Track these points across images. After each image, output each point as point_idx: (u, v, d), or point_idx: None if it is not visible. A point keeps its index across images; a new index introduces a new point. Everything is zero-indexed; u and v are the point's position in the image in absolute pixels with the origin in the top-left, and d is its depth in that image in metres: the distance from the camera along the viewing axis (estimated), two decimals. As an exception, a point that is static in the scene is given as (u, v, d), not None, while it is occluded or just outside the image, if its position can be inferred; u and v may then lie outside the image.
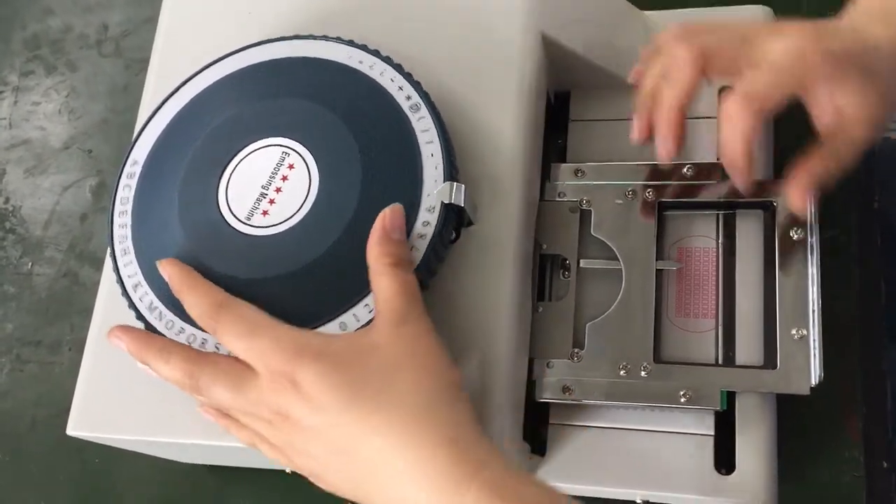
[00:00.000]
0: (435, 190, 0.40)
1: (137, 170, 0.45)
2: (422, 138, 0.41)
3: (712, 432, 0.44)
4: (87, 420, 0.45)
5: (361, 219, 0.40)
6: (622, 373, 0.44)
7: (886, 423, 0.43)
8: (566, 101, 0.52)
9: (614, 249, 0.46)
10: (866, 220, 0.50)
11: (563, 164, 0.48)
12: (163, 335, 0.40)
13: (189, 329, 0.40)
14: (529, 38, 0.46)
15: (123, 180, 0.45)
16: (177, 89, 0.46)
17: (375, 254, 0.38)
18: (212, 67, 0.46)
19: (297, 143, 0.42)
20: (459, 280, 0.42)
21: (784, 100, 0.41)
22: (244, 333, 0.36)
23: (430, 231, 0.40)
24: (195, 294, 0.39)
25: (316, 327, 0.39)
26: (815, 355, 0.41)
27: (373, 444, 0.34)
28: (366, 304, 0.39)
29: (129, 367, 0.40)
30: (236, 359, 0.37)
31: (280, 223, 0.41)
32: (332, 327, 0.39)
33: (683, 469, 0.44)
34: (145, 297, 0.42)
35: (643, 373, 0.43)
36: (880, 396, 0.48)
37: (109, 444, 0.47)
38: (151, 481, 0.58)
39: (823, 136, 0.42)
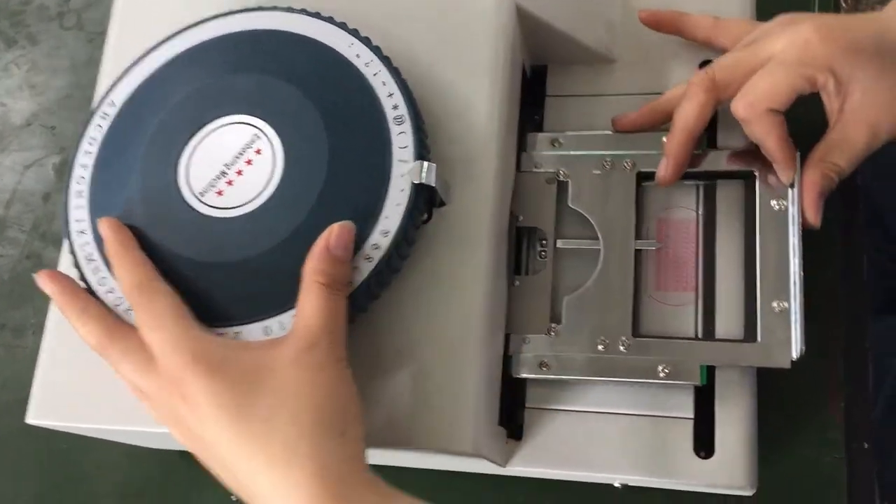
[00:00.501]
0: (405, 170, 0.39)
1: (113, 110, 0.44)
2: (391, 116, 0.40)
3: (692, 414, 0.43)
4: (46, 408, 0.43)
5: (319, 214, 0.38)
6: (600, 347, 0.43)
7: (869, 403, 0.43)
8: (543, 75, 0.51)
9: (592, 222, 0.45)
10: (849, 197, 0.50)
11: (540, 134, 0.47)
12: (93, 291, 0.40)
13: (118, 291, 0.39)
14: (504, 9, 0.44)
15: (96, 119, 0.44)
16: (145, 54, 0.45)
17: (310, 268, 0.37)
18: (183, 34, 0.45)
19: (265, 124, 0.41)
20: (432, 261, 0.41)
21: (791, 96, 0.41)
22: (149, 324, 0.36)
23: (399, 213, 0.38)
24: (122, 266, 0.38)
25: (239, 325, 0.38)
26: (796, 328, 0.41)
27: (245, 466, 0.34)
28: (294, 315, 0.37)
29: (89, 354, 0.38)
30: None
31: (234, 207, 0.40)
32: (255, 329, 0.38)
33: (662, 453, 0.43)
34: (86, 246, 0.41)
35: (622, 347, 0.43)
36: (863, 375, 0.47)
37: (72, 431, 0.45)
38: (121, 467, 0.56)
39: (827, 139, 0.42)
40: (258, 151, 0.40)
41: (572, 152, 0.46)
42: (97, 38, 0.70)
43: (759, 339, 0.41)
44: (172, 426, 0.37)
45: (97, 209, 0.41)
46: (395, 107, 0.40)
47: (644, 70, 0.49)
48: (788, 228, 0.42)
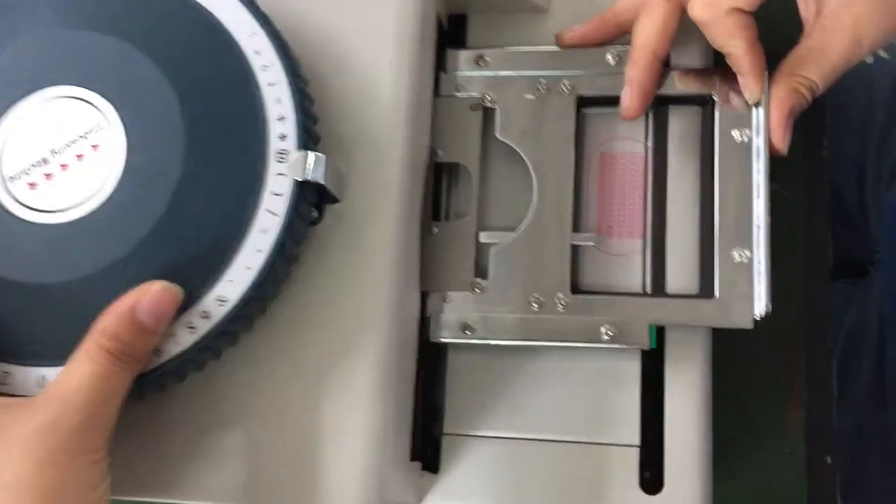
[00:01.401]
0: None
1: None
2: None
3: (637, 442, 0.37)
4: None
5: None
6: (534, 306, 0.37)
7: (831, 412, 0.38)
8: (463, 25, 0.42)
9: (524, 156, 0.38)
10: (813, 172, 0.44)
11: (462, 51, 0.40)
12: None
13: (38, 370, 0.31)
14: None
15: None
16: None
17: (100, 327, 0.29)
18: None
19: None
20: (326, 254, 0.34)
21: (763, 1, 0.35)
22: None
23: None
24: None
25: (11, 364, 0.30)
26: (759, 281, 0.35)
27: None
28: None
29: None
30: None
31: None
32: (28, 375, 0.30)
33: (603, 486, 0.37)
34: None
35: (559, 306, 0.36)
36: (825, 379, 0.42)
37: None
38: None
39: (799, 48, 0.35)
40: (94, 147, 0.32)
41: (501, 73, 0.39)
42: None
43: (716, 294, 0.36)
44: None
45: None
46: (273, 83, 0.32)
47: (583, 20, 0.40)
48: (752, 164, 0.36)
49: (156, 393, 0.31)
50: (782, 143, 0.36)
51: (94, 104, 0.32)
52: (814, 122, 0.46)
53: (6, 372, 0.30)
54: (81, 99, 0.32)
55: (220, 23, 0.33)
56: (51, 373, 0.30)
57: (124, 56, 0.32)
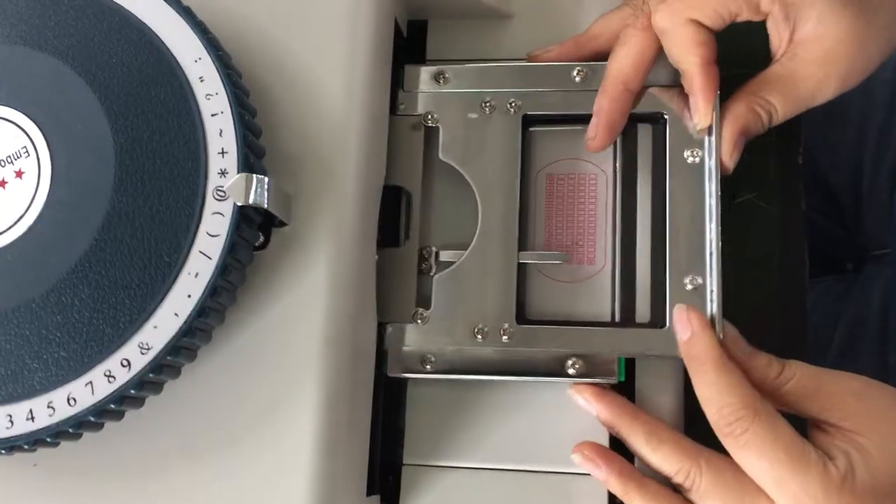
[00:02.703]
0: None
1: None
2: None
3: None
4: None
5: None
6: (478, 338, 0.35)
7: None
8: (423, 31, 0.41)
9: (467, 178, 0.37)
10: (789, 180, 0.42)
11: (422, 67, 0.38)
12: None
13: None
14: None
15: None
16: None
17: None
18: None
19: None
20: (272, 282, 0.32)
21: (723, 13, 0.34)
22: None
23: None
24: (664, 451, 0.33)
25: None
26: (712, 309, 0.34)
27: None
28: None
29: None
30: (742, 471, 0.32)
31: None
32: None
33: None
34: None
35: (504, 336, 0.35)
36: None
37: None
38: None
39: (766, 72, 0.34)
40: (18, 173, 0.30)
41: (460, 90, 0.38)
42: None
43: (667, 323, 0.34)
44: None
45: None
46: (212, 95, 0.31)
47: (548, 28, 0.40)
48: (704, 186, 0.35)
49: (73, 441, 0.31)
50: (730, 161, 0.34)
51: (22, 127, 0.31)
52: (789, 127, 0.44)
53: (10, 414, 0.29)
54: (8, 120, 0.31)
55: (163, 45, 0.31)
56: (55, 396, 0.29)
57: (58, 77, 0.31)
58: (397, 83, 0.38)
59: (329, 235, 0.33)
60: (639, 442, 0.33)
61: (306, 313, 0.32)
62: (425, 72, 0.38)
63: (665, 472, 0.33)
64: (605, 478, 0.34)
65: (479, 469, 0.37)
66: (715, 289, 0.34)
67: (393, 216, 0.37)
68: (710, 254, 0.34)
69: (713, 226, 0.34)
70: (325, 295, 0.32)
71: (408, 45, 0.40)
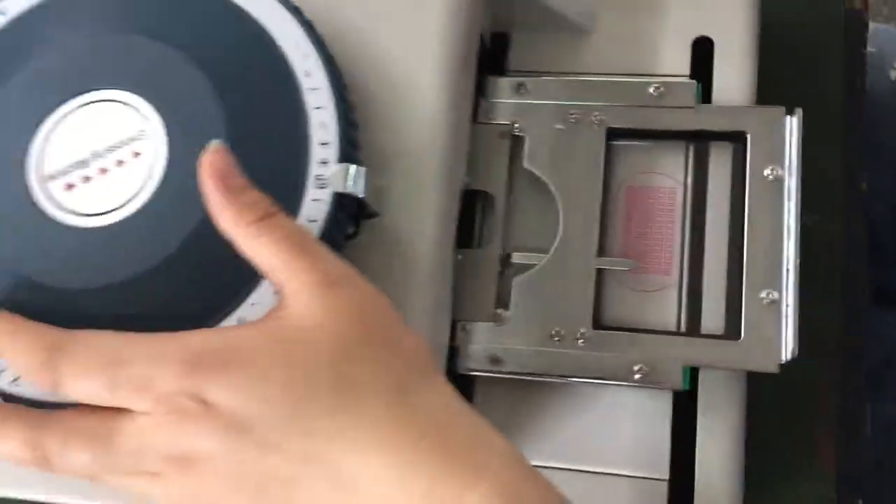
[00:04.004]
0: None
1: None
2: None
3: (666, 476, 0.37)
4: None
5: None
6: (555, 340, 0.37)
7: (861, 453, 0.37)
8: (505, 43, 0.43)
9: (550, 187, 0.38)
10: (852, 206, 0.43)
11: (503, 78, 0.40)
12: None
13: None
14: None
15: None
16: None
17: (231, 218, 0.28)
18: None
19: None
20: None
21: None
22: (102, 365, 0.27)
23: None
24: (17, 341, 0.28)
25: None
26: (787, 324, 0.35)
27: (336, 457, 0.26)
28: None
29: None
30: (92, 408, 0.27)
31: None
32: None
33: None
34: None
35: (579, 340, 0.37)
36: (859, 421, 0.42)
37: None
38: None
39: None
40: (136, 154, 0.32)
41: (532, 101, 0.40)
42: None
43: (742, 335, 0.36)
44: (164, 489, 0.27)
45: None
46: (316, 89, 0.32)
47: (627, 46, 0.42)
48: (783, 204, 0.36)
49: None
50: None
51: (141, 111, 0.33)
52: (852, 154, 0.46)
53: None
54: (129, 105, 0.33)
55: (273, 41, 0.33)
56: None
57: (176, 66, 0.33)
58: (480, 92, 0.40)
59: (413, 231, 0.34)
60: None
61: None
62: (506, 82, 0.40)
63: (15, 454, 0.28)
64: None
65: (540, 468, 0.38)
66: (791, 303, 0.35)
67: (472, 218, 0.39)
68: (787, 270, 0.35)
69: (791, 243, 0.36)
70: (405, 287, 0.34)
71: (490, 57, 0.42)
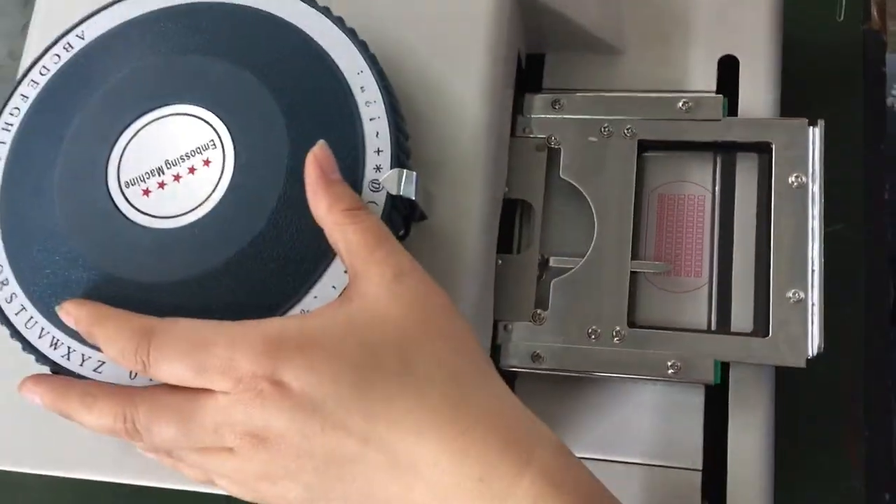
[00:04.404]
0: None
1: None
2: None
3: (699, 466, 0.39)
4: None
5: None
6: (592, 338, 0.39)
7: (891, 450, 0.39)
8: (540, 64, 0.46)
9: (585, 195, 0.41)
10: (875, 213, 0.45)
11: (539, 95, 0.43)
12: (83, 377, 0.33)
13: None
14: None
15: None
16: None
17: (326, 205, 0.32)
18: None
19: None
20: None
21: None
22: (189, 351, 0.29)
23: None
24: (108, 328, 0.31)
25: None
26: (813, 321, 0.37)
27: (395, 441, 0.28)
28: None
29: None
30: (176, 387, 0.30)
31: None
32: None
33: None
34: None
35: (615, 338, 0.39)
36: (885, 416, 0.43)
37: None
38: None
39: None
40: (206, 162, 0.35)
41: (567, 116, 0.42)
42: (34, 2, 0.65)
43: (770, 332, 0.38)
44: (238, 466, 0.30)
45: (26, 278, 0.35)
46: (371, 102, 0.35)
47: (656, 65, 0.44)
48: (807, 209, 0.38)
49: None
50: None
51: (211, 125, 0.36)
52: (876, 163, 0.48)
53: (102, 361, 0.33)
54: (200, 118, 0.36)
55: (332, 59, 0.36)
56: (300, 307, 0.33)
57: (243, 83, 0.36)
58: (517, 109, 0.43)
59: (458, 233, 0.37)
60: (78, 409, 0.32)
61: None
62: (542, 99, 0.43)
63: (108, 426, 0.31)
64: (44, 401, 0.32)
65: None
66: (816, 302, 0.37)
67: (512, 226, 0.42)
68: (813, 271, 0.38)
69: (815, 245, 0.38)
70: (452, 284, 0.36)
71: (526, 77, 0.45)
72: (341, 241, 0.32)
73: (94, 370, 0.33)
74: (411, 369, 0.29)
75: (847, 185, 0.46)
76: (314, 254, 0.34)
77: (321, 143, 0.33)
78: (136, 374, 0.32)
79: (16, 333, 0.35)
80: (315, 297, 0.33)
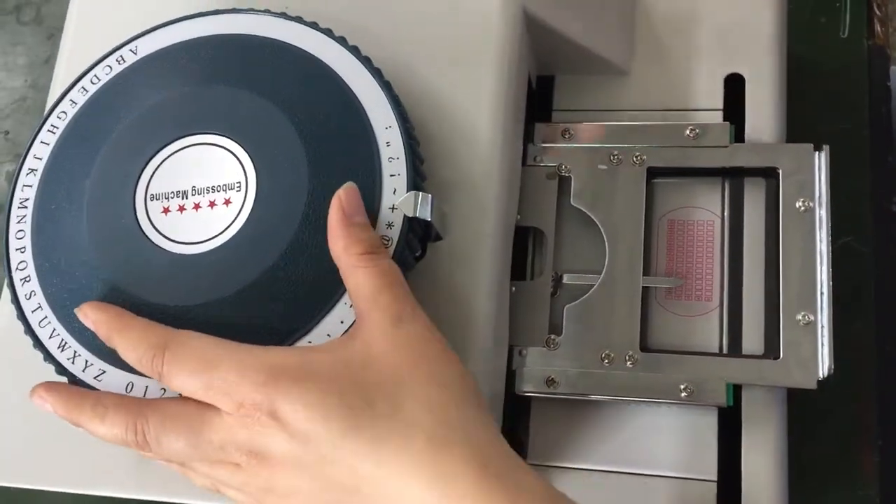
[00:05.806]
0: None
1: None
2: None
3: (714, 477, 0.40)
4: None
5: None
6: (605, 363, 0.40)
7: None
8: (549, 86, 0.47)
9: (596, 222, 0.42)
10: (882, 226, 0.46)
11: (549, 125, 0.44)
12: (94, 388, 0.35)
13: (128, 375, 0.35)
14: (510, 15, 0.40)
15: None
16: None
17: (342, 246, 0.33)
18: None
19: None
20: (426, 298, 0.37)
21: None
22: (199, 368, 0.31)
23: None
24: (128, 337, 0.33)
25: None
26: (823, 343, 0.38)
27: (382, 480, 0.30)
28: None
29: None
30: (188, 399, 0.32)
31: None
32: None
33: None
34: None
35: (628, 363, 0.40)
36: None
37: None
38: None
39: None
40: (227, 202, 0.37)
41: (577, 144, 0.43)
42: (57, 35, 0.66)
43: (781, 355, 0.38)
44: (243, 481, 0.32)
45: (53, 294, 0.37)
46: (387, 127, 0.37)
47: (662, 84, 0.46)
48: (815, 233, 0.39)
49: None
50: None
51: (244, 166, 0.37)
52: (883, 176, 0.49)
53: (103, 370, 0.35)
54: (235, 156, 0.37)
55: (349, 87, 0.38)
56: (138, 381, 0.34)
57: (270, 117, 0.37)
58: (527, 137, 0.44)
59: (477, 253, 0.38)
60: (90, 419, 0.33)
61: (455, 320, 0.37)
62: (551, 128, 0.44)
63: (119, 437, 0.32)
64: (55, 409, 0.34)
65: (597, 471, 0.41)
66: (826, 324, 0.38)
67: (525, 253, 0.43)
68: (822, 294, 0.38)
69: (823, 268, 0.38)
70: (469, 309, 0.37)
71: (537, 99, 0.46)
72: (352, 282, 0.33)
73: (95, 378, 0.35)
74: (400, 412, 0.30)
75: (855, 198, 0.47)
76: (335, 275, 0.34)
77: (349, 185, 0.35)
78: (132, 386, 0.34)
79: (28, 330, 0.37)
80: (343, 322, 0.34)
